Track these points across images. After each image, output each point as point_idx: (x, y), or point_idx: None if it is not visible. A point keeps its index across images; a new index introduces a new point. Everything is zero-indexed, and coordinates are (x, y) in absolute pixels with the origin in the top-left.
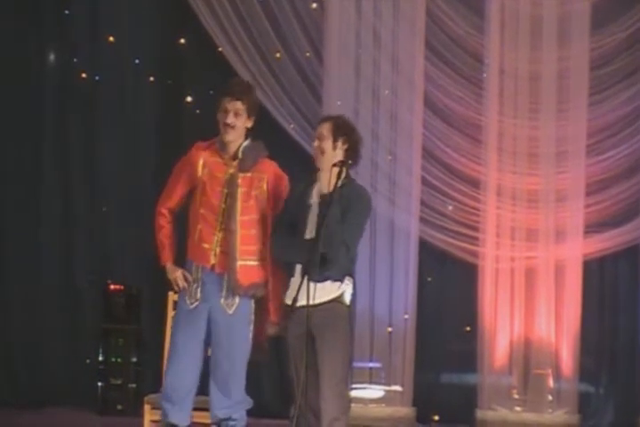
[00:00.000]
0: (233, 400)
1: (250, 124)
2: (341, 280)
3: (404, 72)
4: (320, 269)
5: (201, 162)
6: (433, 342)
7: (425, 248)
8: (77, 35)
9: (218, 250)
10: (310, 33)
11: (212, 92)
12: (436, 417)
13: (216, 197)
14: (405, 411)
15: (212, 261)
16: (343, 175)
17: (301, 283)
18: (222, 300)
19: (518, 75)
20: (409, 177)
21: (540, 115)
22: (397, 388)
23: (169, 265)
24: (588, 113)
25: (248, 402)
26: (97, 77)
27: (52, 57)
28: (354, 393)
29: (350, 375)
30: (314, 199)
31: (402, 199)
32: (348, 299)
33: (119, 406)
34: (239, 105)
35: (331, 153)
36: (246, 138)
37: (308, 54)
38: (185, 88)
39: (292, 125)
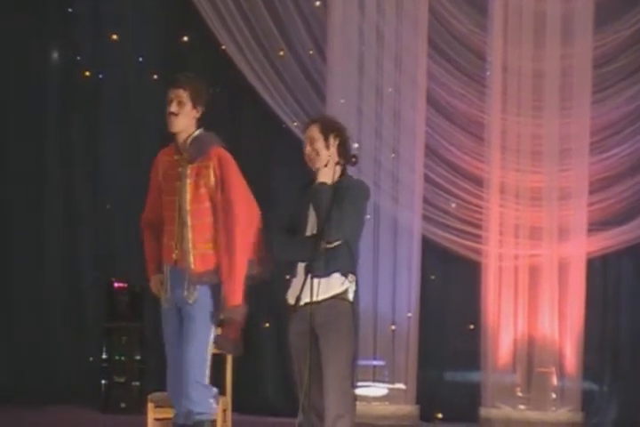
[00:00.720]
0: (190, 390)
1: (197, 115)
2: (345, 276)
3: (407, 70)
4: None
5: (159, 166)
6: (436, 340)
7: (428, 246)
8: (81, 33)
9: (179, 245)
10: (313, 31)
11: (218, 89)
12: (440, 415)
13: (173, 193)
14: (409, 409)
15: (175, 256)
16: (338, 173)
17: (305, 281)
18: (185, 292)
19: (521, 72)
20: (412, 175)
21: (544, 112)
22: (401, 386)
23: (151, 277)
24: (592, 111)
25: (210, 391)
26: (100, 75)
27: (55, 55)
28: (358, 391)
29: (355, 374)
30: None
31: (405, 197)
32: (351, 296)
33: (122, 404)
34: (181, 93)
35: (325, 152)
36: (198, 129)
37: (311, 52)
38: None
39: (295, 123)
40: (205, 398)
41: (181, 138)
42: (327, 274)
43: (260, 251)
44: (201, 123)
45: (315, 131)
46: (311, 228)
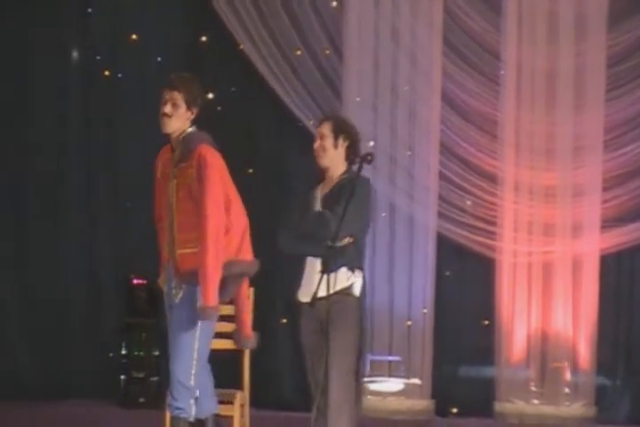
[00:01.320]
0: (172, 387)
1: (191, 116)
2: (352, 271)
3: (422, 69)
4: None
5: (159, 165)
6: (451, 336)
7: (443, 243)
8: (100, 33)
9: (169, 244)
10: (330, 30)
11: (233, 89)
12: (455, 410)
13: (166, 193)
14: (424, 404)
15: (167, 255)
16: (343, 169)
17: (321, 278)
18: (173, 290)
19: (535, 71)
20: (427, 172)
21: (557, 111)
22: (416, 381)
23: (161, 273)
24: (605, 109)
25: (190, 393)
26: (120, 75)
27: (75, 54)
28: (373, 386)
29: (362, 367)
30: (318, 195)
31: (420, 194)
32: (357, 291)
33: (141, 399)
34: (176, 95)
35: (332, 151)
36: (189, 129)
37: (327, 52)
38: (206, 85)
39: (311, 122)
40: (185, 398)
41: (174, 138)
42: (334, 269)
43: (244, 251)
44: (194, 122)
45: (326, 128)
46: None
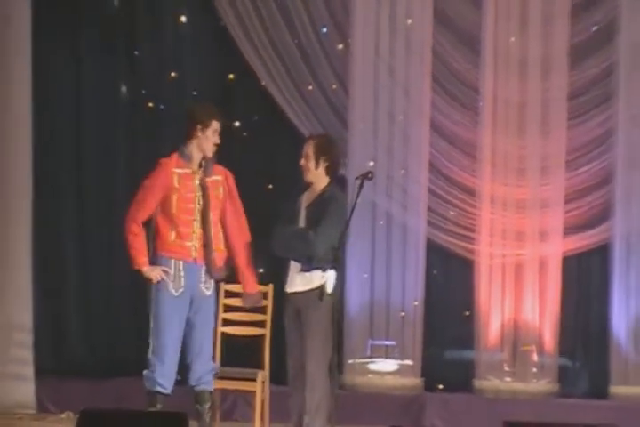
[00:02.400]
0: (208, 362)
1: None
2: (324, 271)
3: (415, 101)
4: (305, 262)
5: (175, 176)
6: (438, 325)
7: (431, 247)
8: (145, 71)
9: (197, 244)
10: (337, 69)
11: (256, 118)
12: (441, 386)
13: (191, 202)
14: (415, 381)
15: (194, 254)
16: (326, 183)
17: (300, 275)
18: (202, 285)
19: (508, 103)
20: (418, 187)
21: (527, 136)
22: (409, 362)
23: (146, 267)
24: (567, 134)
25: (215, 368)
26: (161, 106)
27: (124, 89)
28: (373, 366)
29: (332, 353)
30: (302, 204)
31: (412, 206)
32: (330, 288)
33: (178, 377)
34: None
35: (314, 171)
36: None
37: (334, 86)
38: (234, 114)
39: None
40: (211, 374)
41: (197, 158)
42: (310, 270)
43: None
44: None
45: (309, 149)
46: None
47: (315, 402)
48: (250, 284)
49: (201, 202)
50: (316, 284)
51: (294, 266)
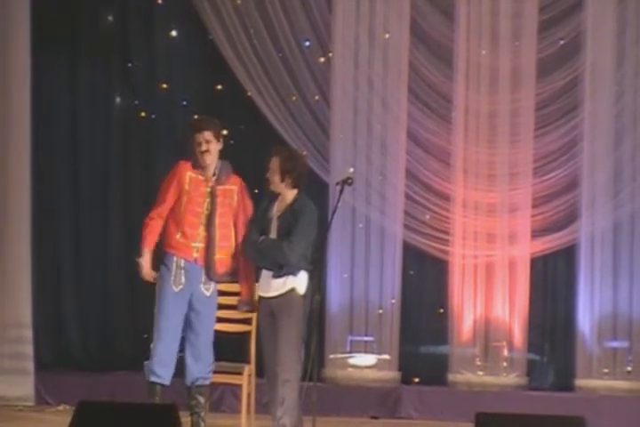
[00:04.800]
0: (207, 364)
1: (220, 147)
2: (295, 276)
3: (392, 111)
4: (277, 270)
5: (187, 178)
6: (414, 321)
7: (408, 248)
8: (138, 82)
9: (200, 246)
10: (318, 80)
11: (242, 126)
12: (417, 379)
13: (199, 206)
14: (392, 375)
15: (195, 255)
16: (293, 195)
17: (272, 280)
18: (202, 285)
19: (480, 113)
20: (395, 193)
21: (497, 144)
22: (386, 356)
23: (140, 258)
24: (534, 143)
25: (213, 365)
26: (153, 116)
27: (117, 100)
28: (352, 361)
29: (303, 348)
30: (274, 213)
31: (390, 210)
32: (302, 290)
33: None
34: (207, 134)
35: (279, 184)
36: (219, 158)
37: (316, 97)
38: (222, 123)
39: (304, 153)
40: (211, 368)
41: (210, 167)
42: (280, 276)
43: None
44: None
45: (275, 164)
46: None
47: (289, 399)
48: (247, 292)
49: (209, 208)
50: (288, 287)
51: (266, 272)
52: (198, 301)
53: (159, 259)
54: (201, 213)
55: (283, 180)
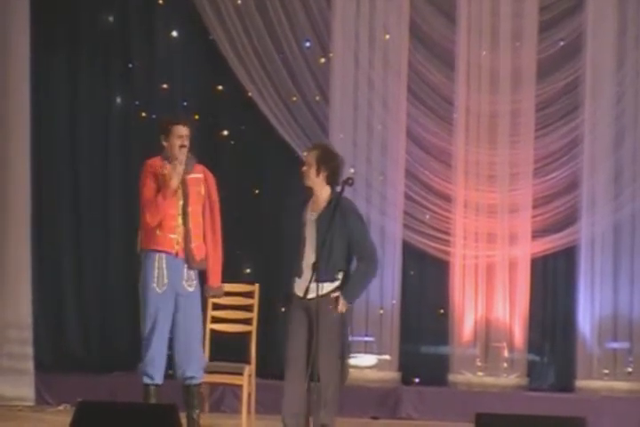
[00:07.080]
0: (198, 362)
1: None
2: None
3: (392, 111)
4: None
5: (158, 174)
6: (414, 322)
7: (408, 248)
8: (138, 83)
9: (178, 238)
10: (319, 81)
11: (243, 127)
12: (417, 380)
13: (173, 197)
14: (393, 375)
15: (176, 248)
16: (328, 193)
17: (310, 281)
18: (184, 282)
19: (480, 114)
20: (395, 193)
21: (497, 145)
22: (386, 357)
23: (168, 172)
24: (535, 144)
25: (203, 361)
26: (153, 116)
27: (118, 100)
28: (353, 361)
29: (348, 350)
30: (309, 216)
31: (390, 210)
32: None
33: (170, 371)
34: (187, 131)
35: (314, 178)
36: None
37: (317, 98)
38: (222, 124)
39: (305, 153)
40: (202, 369)
41: (183, 158)
42: (324, 280)
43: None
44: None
45: (312, 157)
46: (310, 244)
47: (329, 396)
48: (214, 278)
49: (182, 197)
50: (327, 289)
51: (307, 275)
52: (181, 298)
53: (139, 259)
54: (176, 203)
55: (318, 174)
